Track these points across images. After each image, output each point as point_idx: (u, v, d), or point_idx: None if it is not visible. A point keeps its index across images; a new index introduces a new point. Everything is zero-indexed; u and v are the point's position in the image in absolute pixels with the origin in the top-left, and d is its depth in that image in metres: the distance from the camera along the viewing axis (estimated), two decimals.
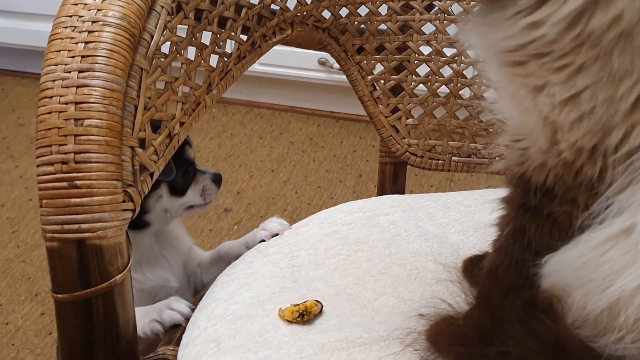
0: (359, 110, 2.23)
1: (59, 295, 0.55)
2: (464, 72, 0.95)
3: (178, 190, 0.89)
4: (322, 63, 2.02)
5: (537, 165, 0.53)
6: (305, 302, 0.65)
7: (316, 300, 0.66)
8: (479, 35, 0.52)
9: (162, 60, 0.62)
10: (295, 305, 0.65)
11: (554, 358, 0.48)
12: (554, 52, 0.46)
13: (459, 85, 0.95)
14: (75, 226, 0.54)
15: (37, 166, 0.54)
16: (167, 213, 0.90)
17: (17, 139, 2.04)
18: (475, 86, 0.95)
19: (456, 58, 0.94)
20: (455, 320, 0.57)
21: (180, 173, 0.88)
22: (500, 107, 0.57)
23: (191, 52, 0.68)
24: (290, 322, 0.64)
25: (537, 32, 0.46)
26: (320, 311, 0.66)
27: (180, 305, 0.75)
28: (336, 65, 1.98)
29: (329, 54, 0.94)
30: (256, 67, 1.01)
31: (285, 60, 2.01)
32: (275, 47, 0.82)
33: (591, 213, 0.50)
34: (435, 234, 0.80)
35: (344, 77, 0.96)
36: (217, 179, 0.94)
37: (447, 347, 0.53)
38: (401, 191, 1.01)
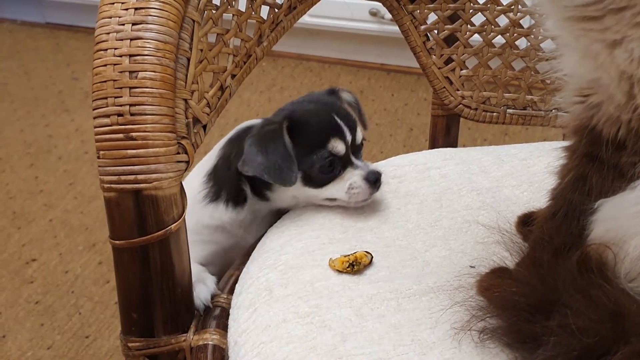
0: (411, 62, 2.17)
1: (117, 242, 0.57)
2: (521, 21, 0.91)
3: (313, 182, 0.77)
4: (374, 14, 1.98)
5: (609, 119, 0.52)
6: (355, 252, 0.66)
7: (366, 251, 0.66)
8: None
9: (214, 12, 0.62)
10: (345, 256, 0.66)
11: (614, 327, 0.47)
12: (636, 6, 0.45)
13: (515, 35, 0.92)
14: (132, 177, 0.55)
15: (94, 118, 0.55)
16: (295, 199, 0.79)
17: (71, 93, 2.08)
18: (532, 36, 0.91)
19: (512, 7, 0.91)
20: (506, 278, 0.56)
21: (319, 165, 0.76)
22: (565, 63, 0.56)
23: (242, 4, 0.68)
24: (340, 272, 0.65)
25: None
26: (370, 262, 0.66)
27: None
28: (387, 16, 1.94)
29: (380, 4, 0.92)
30: (306, 19, 0.99)
31: (336, 12, 1.98)
32: None
33: None
34: (488, 188, 0.78)
35: (396, 28, 0.94)
36: (371, 177, 0.77)
37: (498, 309, 0.53)
38: (454, 145, 0.99)
